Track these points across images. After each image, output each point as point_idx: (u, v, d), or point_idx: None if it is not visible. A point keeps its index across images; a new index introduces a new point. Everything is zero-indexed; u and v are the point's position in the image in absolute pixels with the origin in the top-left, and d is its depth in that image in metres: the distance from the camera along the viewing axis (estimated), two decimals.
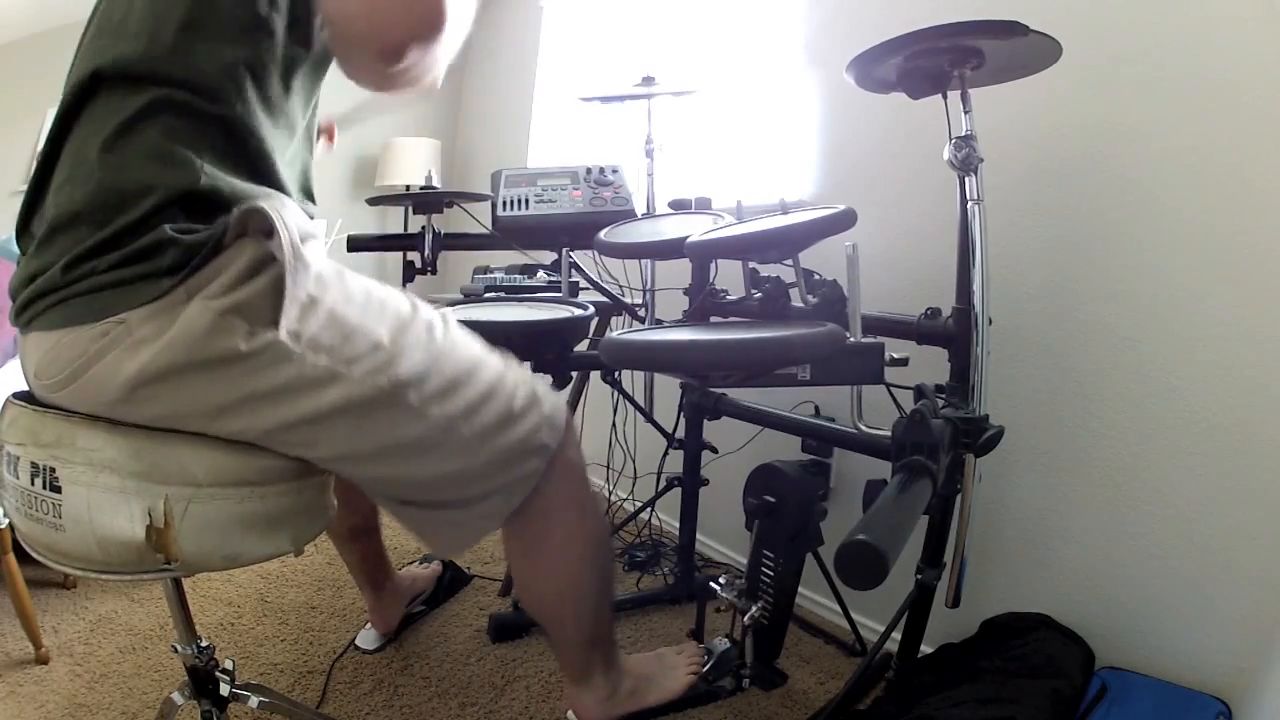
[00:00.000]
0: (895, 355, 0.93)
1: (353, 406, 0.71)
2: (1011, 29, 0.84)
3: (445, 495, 0.81)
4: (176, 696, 0.90)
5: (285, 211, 0.67)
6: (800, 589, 1.29)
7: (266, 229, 0.66)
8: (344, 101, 1.02)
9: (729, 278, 1.33)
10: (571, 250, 1.53)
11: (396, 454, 0.75)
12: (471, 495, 0.82)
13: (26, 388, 0.73)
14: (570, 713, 1.10)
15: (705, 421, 1.55)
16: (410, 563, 1.67)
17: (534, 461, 0.84)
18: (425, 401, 0.75)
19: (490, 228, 1.55)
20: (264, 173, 0.71)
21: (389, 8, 0.58)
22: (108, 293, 0.64)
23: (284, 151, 0.74)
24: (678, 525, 1.63)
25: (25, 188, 0.71)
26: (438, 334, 0.78)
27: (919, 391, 0.93)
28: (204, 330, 0.64)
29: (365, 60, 0.61)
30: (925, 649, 1.15)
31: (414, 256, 1.70)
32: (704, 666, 1.22)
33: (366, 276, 0.78)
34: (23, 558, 1.13)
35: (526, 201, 1.51)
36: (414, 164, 2.94)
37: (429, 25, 0.59)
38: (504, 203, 1.51)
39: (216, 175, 0.67)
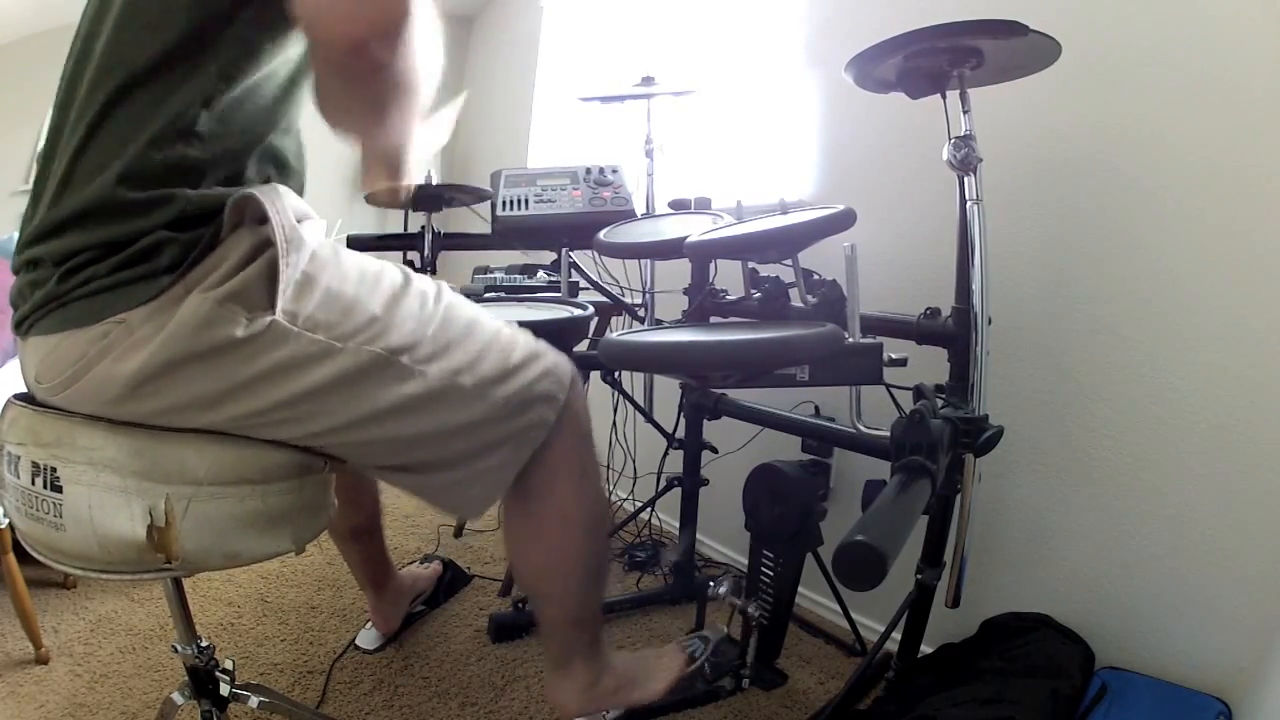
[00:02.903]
0: (894, 355, 0.93)
1: (348, 377, 0.72)
2: (1011, 29, 0.84)
3: (454, 449, 0.81)
4: (176, 696, 0.90)
5: (278, 196, 0.68)
6: (800, 589, 1.29)
7: (260, 216, 0.66)
8: None
9: (729, 278, 1.33)
10: (571, 250, 1.54)
11: (399, 413, 0.76)
12: (479, 445, 0.82)
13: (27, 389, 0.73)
14: None
15: (705, 421, 1.55)
16: (410, 563, 1.67)
17: (540, 410, 0.85)
18: (421, 362, 0.76)
19: (490, 227, 1.55)
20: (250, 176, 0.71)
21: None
22: (107, 294, 0.64)
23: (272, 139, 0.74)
24: (678, 525, 1.63)
25: (25, 187, 0.71)
26: (430, 303, 0.80)
27: (918, 391, 0.93)
28: (202, 321, 0.64)
29: (335, 56, 0.59)
30: (925, 649, 1.15)
31: (414, 256, 1.71)
32: (692, 664, 1.20)
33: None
34: (23, 558, 1.12)
35: (526, 201, 1.52)
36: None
37: (392, 14, 0.57)
38: (504, 203, 1.51)
39: (205, 193, 0.67)
